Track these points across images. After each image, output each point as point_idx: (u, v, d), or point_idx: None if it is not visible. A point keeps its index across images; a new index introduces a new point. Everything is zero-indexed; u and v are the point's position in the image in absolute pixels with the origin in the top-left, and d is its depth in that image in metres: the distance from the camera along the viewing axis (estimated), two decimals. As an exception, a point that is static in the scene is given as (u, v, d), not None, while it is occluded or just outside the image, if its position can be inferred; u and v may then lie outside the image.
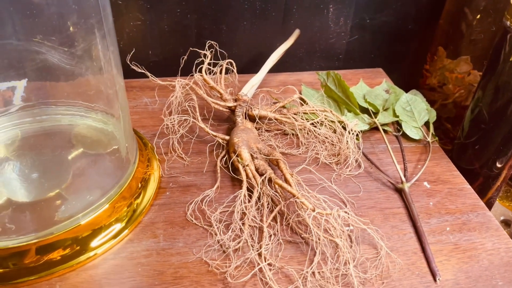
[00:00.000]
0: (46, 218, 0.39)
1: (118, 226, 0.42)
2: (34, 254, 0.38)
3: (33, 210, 0.39)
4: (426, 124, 0.55)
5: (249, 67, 0.69)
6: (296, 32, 0.61)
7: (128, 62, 0.50)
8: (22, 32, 0.34)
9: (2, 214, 0.38)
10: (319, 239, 0.37)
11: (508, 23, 0.43)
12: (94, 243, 0.40)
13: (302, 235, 0.40)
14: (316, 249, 0.38)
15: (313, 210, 0.38)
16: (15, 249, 0.37)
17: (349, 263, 0.37)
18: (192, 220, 0.42)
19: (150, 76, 0.52)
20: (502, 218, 0.64)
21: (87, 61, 0.38)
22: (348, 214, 0.38)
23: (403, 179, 0.46)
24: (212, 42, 0.54)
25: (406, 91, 0.60)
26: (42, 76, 0.39)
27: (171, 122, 0.50)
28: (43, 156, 0.43)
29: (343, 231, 0.38)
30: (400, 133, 0.55)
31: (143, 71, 0.50)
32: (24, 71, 0.38)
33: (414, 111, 0.55)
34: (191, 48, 0.54)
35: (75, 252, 0.39)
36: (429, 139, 0.53)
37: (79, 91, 0.42)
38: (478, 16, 0.56)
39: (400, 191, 0.46)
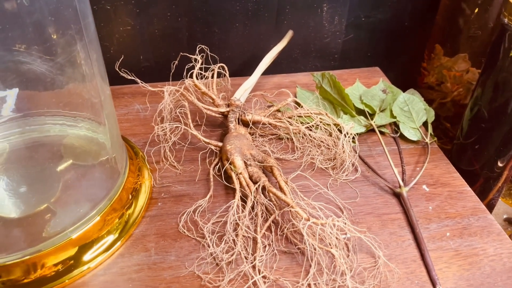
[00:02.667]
0: (35, 234, 0.38)
1: (110, 238, 0.41)
2: (25, 271, 0.37)
3: (21, 226, 0.38)
4: (425, 124, 0.54)
5: (242, 69, 0.67)
6: (289, 34, 0.60)
7: (117, 69, 0.49)
8: (2, 42, 0.33)
9: (-10, 231, 0.37)
10: (314, 250, 0.36)
11: (506, 20, 0.42)
12: (86, 256, 0.39)
13: (297, 245, 0.39)
14: (312, 259, 0.37)
15: (308, 220, 0.37)
16: (3, 268, 0.36)
17: (346, 273, 0.36)
18: (184, 232, 0.41)
19: (140, 83, 0.50)
20: (505, 216, 0.63)
21: (70, 71, 0.37)
22: (345, 222, 0.37)
23: (401, 183, 0.45)
24: (203, 46, 0.52)
25: (404, 90, 0.58)
26: (29, 86, 0.38)
27: (162, 130, 0.49)
28: (32, 169, 0.42)
29: (339, 240, 0.36)
30: (398, 134, 0.54)
31: (132, 78, 0.49)
32: (10, 82, 0.37)
33: (412, 111, 0.54)
34: (181, 53, 0.53)
35: (68, 267, 0.38)
36: (427, 140, 0.52)
37: (66, 101, 0.41)
38: (476, 10, 0.55)
39: (398, 196, 0.45)
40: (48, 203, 0.39)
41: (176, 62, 0.52)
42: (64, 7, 0.32)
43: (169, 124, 0.49)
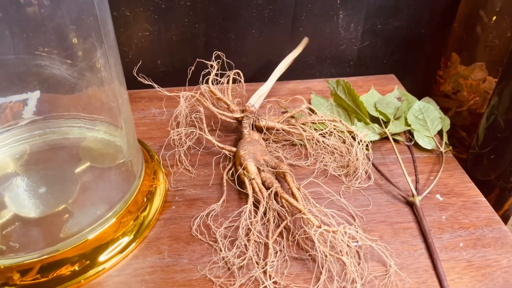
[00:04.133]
0: (53, 234, 0.39)
1: (125, 240, 0.41)
2: (42, 270, 0.38)
3: (40, 226, 0.39)
4: (440, 133, 0.54)
5: (258, 75, 0.68)
6: (305, 40, 0.61)
7: (135, 75, 0.50)
8: (26, 47, 0.34)
9: (9, 230, 0.38)
10: (325, 257, 0.37)
11: (524, 30, 0.41)
12: (102, 257, 0.40)
13: (308, 252, 0.40)
14: (323, 266, 0.37)
15: (319, 227, 0.37)
16: (22, 267, 0.37)
17: (356, 281, 0.36)
18: (197, 236, 0.42)
19: (157, 88, 0.51)
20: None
21: (89, 75, 0.38)
22: (356, 230, 0.37)
23: (414, 192, 0.45)
24: (219, 52, 0.53)
25: (419, 98, 0.58)
26: (49, 89, 0.40)
27: (177, 135, 0.50)
28: (51, 170, 0.44)
29: (350, 248, 0.37)
30: (412, 142, 0.53)
31: (150, 82, 0.50)
32: (31, 85, 0.38)
33: (427, 120, 0.54)
34: (198, 59, 0.54)
35: (83, 267, 0.39)
36: (442, 149, 0.52)
37: (85, 104, 0.42)
38: (494, 18, 0.54)
39: (411, 205, 0.45)
40: (66, 204, 0.40)
41: (193, 67, 0.53)
42: (86, 15, 0.33)
43: (184, 129, 0.50)
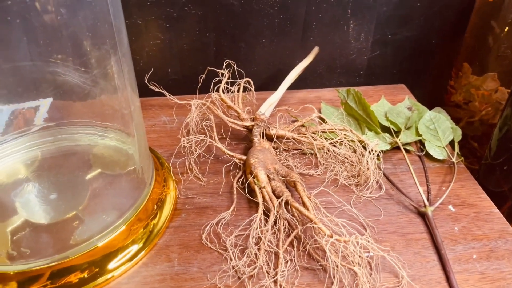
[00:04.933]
0: (63, 241, 0.39)
1: (135, 248, 0.41)
2: (51, 277, 0.38)
3: (50, 232, 0.39)
4: (451, 143, 0.53)
5: (268, 84, 0.68)
6: (315, 50, 0.61)
7: (146, 82, 0.51)
8: (41, 54, 0.34)
9: (20, 236, 0.38)
10: (337, 267, 0.36)
11: (537, 40, 0.41)
12: (111, 265, 0.40)
13: (319, 262, 0.39)
14: (334, 277, 0.37)
15: (331, 236, 0.37)
16: (31, 273, 0.37)
17: (368, 292, 0.35)
18: (207, 244, 0.41)
19: (168, 95, 0.52)
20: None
21: (103, 83, 0.38)
22: (368, 241, 0.36)
23: (426, 202, 0.44)
24: (230, 61, 0.53)
25: (430, 108, 0.58)
26: (62, 96, 0.40)
27: (188, 143, 0.50)
28: (62, 176, 0.44)
29: (362, 258, 0.36)
30: (424, 153, 0.53)
31: (161, 90, 0.51)
32: (45, 92, 0.39)
33: (438, 130, 0.54)
34: (208, 67, 0.54)
35: (92, 274, 0.39)
36: (454, 159, 0.51)
37: (97, 111, 0.43)
38: (506, 29, 0.54)
39: (423, 215, 0.44)
40: (76, 211, 0.40)
41: (203, 76, 0.53)
42: (101, 23, 0.33)
43: (194, 137, 0.50)
